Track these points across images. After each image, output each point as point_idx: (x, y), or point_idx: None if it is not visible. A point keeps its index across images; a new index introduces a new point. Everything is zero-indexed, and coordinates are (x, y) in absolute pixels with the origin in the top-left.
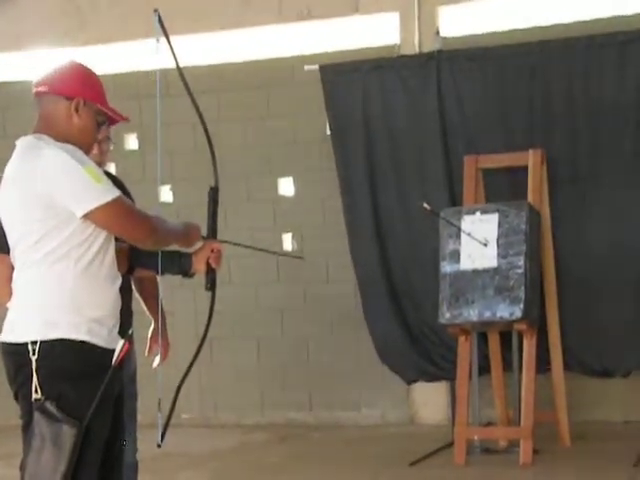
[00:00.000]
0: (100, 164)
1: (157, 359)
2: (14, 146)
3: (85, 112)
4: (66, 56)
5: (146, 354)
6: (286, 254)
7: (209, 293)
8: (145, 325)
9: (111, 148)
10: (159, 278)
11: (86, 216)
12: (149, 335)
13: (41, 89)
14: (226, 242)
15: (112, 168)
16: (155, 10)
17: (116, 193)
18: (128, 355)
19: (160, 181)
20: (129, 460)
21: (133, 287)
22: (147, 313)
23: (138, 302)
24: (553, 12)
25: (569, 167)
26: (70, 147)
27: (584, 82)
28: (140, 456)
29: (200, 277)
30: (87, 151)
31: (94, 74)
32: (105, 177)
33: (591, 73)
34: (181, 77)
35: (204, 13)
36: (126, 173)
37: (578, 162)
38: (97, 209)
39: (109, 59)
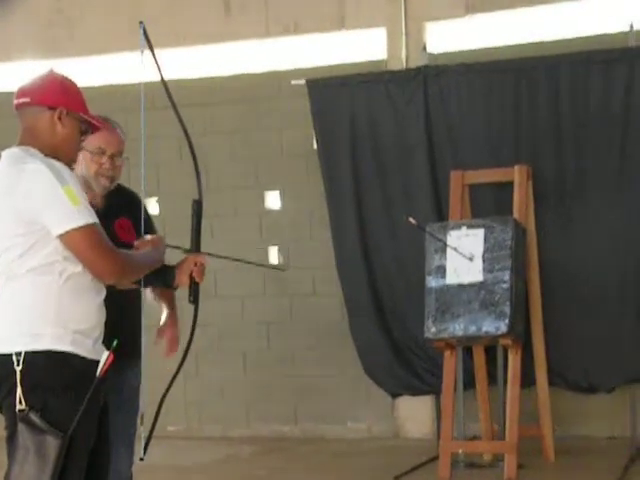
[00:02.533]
0: (112, 179)
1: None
2: None
3: (68, 121)
4: (51, 67)
5: (155, 343)
6: (269, 266)
7: (193, 306)
8: (151, 341)
9: (124, 163)
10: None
11: (60, 237)
12: (160, 324)
13: (22, 100)
14: (210, 254)
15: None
16: (140, 22)
17: (89, 219)
18: (132, 367)
19: (146, 193)
20: (124, 474)
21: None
22: (158, 304)
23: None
24: (539, 29)
25: (555, 183)
26: (55, 164)
27: (570, 99)
28: None
29: (185, 290)
30: (72, 160)
31: (74, 83)
32: (84, 199)
33: (577, 90)
34: (165, 89)
35: (191, 27)
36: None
37: (564, 178)
38: (68, 232)
39: (96, 71)
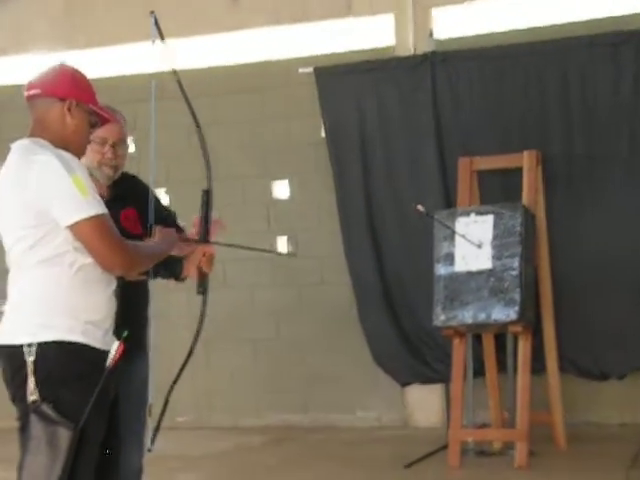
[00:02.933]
0: (116, 168)
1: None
2: (9, 149)
3: (78, 113)
4: (63, 59)
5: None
6: (278, 252)
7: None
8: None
9: (128, 151)
10: (151, 282)
11: (69, 227)
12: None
13: (33, 92)
14: (218, 244)
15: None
16: (151, 12)
17: (98, 210)
18: (140, 358)
19: (156, 183)
20: (135, 465)
21: None
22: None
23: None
24: (547, 13)
25: (564, 168)
26: (65, 154)
27: (579, 83)
28: None
29: (194, 280)
30: (82, 152)
31: (84, 76)
32: (93, 190)
33: (586, 73)
34: (177, 80)
35: (198, 16)
36: None
37: (573, 163)
38: (77, 222)
39: (107, 62)
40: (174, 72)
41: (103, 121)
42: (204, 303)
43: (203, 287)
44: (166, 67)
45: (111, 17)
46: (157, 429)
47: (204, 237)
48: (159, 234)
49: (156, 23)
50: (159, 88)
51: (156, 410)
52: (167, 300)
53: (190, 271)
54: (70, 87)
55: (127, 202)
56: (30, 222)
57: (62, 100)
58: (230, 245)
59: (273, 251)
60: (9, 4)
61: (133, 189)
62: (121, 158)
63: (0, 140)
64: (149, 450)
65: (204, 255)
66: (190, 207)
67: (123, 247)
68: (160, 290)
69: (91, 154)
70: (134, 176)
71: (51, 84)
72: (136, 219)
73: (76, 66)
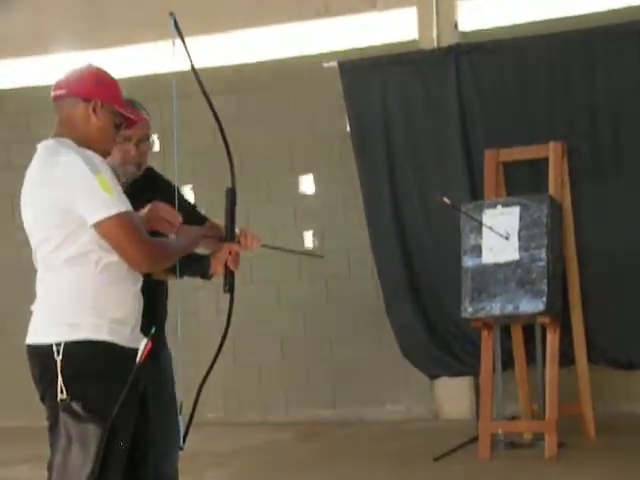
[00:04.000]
0: (139, 165)
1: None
2: (36, 149)
3: (103, 113)
4: (86, 59)
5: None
6: (306, 253)
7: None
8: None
9: (151, 148)
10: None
11: (94, 226)
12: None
13: (59, 92)
14: (239, 244)
15: None
16: (171, 13)
17: (122, 208)
18: (164, 357)
19: (182, 180)
20: (170, 474)
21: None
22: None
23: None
24: (571, 3)
25: (590, 159)
26: (89, 153)
27: (604, 73)
28: None
29: (220, 278)
30: (107, 152)
31: (111, 77)
32: (117, 187)
33: (611, 64)
34: (196, 78)
35: (222, 13)
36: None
37: (599, 154)
38: (102, 220)
39: (129, 61)
40: (193, 71)
41: (128, 123)
42: (231, 301)
43: (230, 285)
44: (186, 67)
45: (133, 17)
46: (188, 427)
47: (230, 235)
48: (182, 231)
49: (175, 24)
50: (185, 86)
51: (185, 409)
52: (196, 297)
53: (217, 269)
54: (95, 88)
55: (148, 197)
56: (55, 222)
57: (87, 100)
58: (264, 246)
59: (301, 252)
60: (30, 5)
61: (154, 184)
62: (144, 155)
63: (30, 140)
64: (181, 449)
65: (230, 253)
66: (215, 205)
67: (149, 244)
68: (189, 288)
69: (115, 152)
70: (155, 171)
71: (76, 84)
72: None
73: (102, 66)
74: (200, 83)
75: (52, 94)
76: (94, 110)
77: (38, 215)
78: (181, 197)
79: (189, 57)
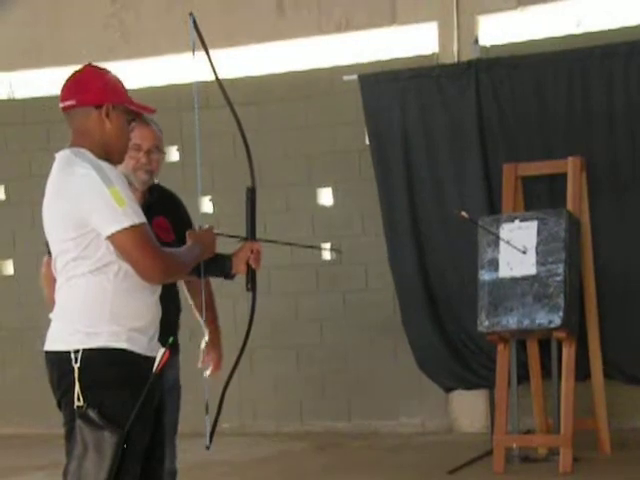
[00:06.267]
0: (151, 173)
1: (208, 370)
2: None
3: (115, 115)
4: (88, 63)
5: (199, 365)
6: (323, 248)
7: (249, 303)
8: (193, 336)
9: (164, 158)
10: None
11: (108, 238)
12: (202, 346)
13: (68, 103)
14: (264, 240)
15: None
16: (190, 14)
17: (136, 220)
18: (170, 364)
19: (200, 192)
20: (168, 466)
21: (187, 295)
22: (201, 323)
23: (187, 312)
24: (592, 19)
25: (609, 175)
26: (103, 165)
27: (624, 89)
28: (181, 465)
29: (240, 288)
30: (124, 154)
31: (111, 74)
32: (131, 200)
33: (631, 80)
34: (218, 83)
35: (244, 26)
36: (167, 185)
37: (619, 170)
38: (114, 233)
39: (150, 72)
40: (213, 69)
41: (139, 114)
42: (253, 299)
43: (252, 284)
44: (208, 76)
45: (154, 28)
46: (214, 428)
47: (250, 234)
48: (193, 237)
49: (195, 25)
50: (204, 97)
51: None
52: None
53: (239, 268)
54: (103, 91)
55: (160, 211)
56: (70, 235)
57: (98, 107)
58: (275, 241)
59: (319, 247)
60: (51, 16)
61: (166, 200)
62: (156, 163)
63: (50, 150)
64: (207, 448)
65: (252, 252)
66: (235, 214)
67: (161, 255)
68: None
69: (126, 160)
70: (167, 189)
71: (84, 92)
72: (168, 228)
73: (112, 71)
74: (220, 84)
75: (60, 105)
76: (107, 115)
77: (55, 227)
78: (189, 219)
79: (209, 58)
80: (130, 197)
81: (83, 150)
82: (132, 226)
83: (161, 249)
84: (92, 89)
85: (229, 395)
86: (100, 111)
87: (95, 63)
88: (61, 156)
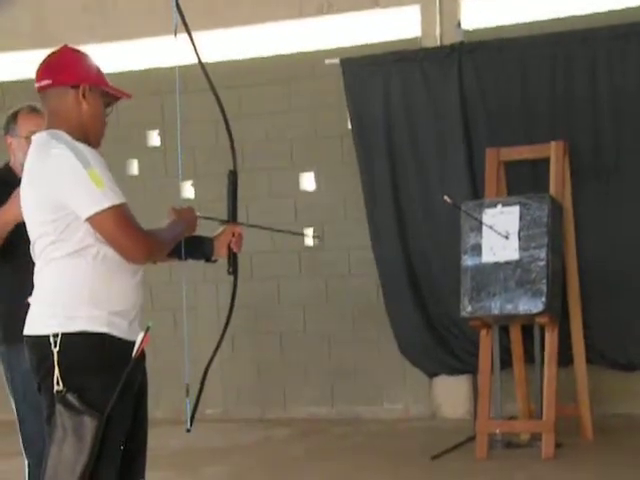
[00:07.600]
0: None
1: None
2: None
3: (92, 97)
4: (88, 52)
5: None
6: (303, 234)
7: (231, 287)
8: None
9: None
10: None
11: (88, 220)
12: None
13: (44, 83)
14: (244, 224)
15: (134, 165)
16: None
17: (116, 200)
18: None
19: (182, 177)
20: None
21: None
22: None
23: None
24: (575, 3)
25: (592, 159)
26: (80, 147)
27: (607, 73)
28: (164, 451)
29: (222, 273)
30: (101, 136)
31: (89, 56)
32: (110, 181)
33: (613, 64)
34: (201, 66)
35: (224, 9)
36: (148, 169)
37: (601, 154)
38: (94, 215)
39: (130, 55)
40: (197, 57)
41: (116, 98)
42: (235, 283)
43: (233, 267)
44: (189, 60)
45: (134, 11)
46: (194, 410)
47: (232, 217)
48: (175, 213)
49: (178, 7)
50: (184, 81)
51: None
52: (195, 291)
53: (221, 251)
54: (81, 72)
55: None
56: (47, 217)
57: (75, 87)
58: (256, 226)
59: (298, 233)
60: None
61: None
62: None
63: None
64: (188, 431)
65: (233, 235)
66: (216, 199)
67: (143, 235)
68: (188, 282)
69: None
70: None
71: (61, 72)
72: None
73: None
74: (203, 67)
75: (36, 85)
76: (84, 96)
77: (33, 211)
78: None
79: (192, 41)
80: (109, 178)
81: (60, 132)
82: (112, 207)
83: (142, 229)
84: (69, 69)
85: (212, 381)
86: (77, 91)
87: (75, 46)
88: (37, 139)
